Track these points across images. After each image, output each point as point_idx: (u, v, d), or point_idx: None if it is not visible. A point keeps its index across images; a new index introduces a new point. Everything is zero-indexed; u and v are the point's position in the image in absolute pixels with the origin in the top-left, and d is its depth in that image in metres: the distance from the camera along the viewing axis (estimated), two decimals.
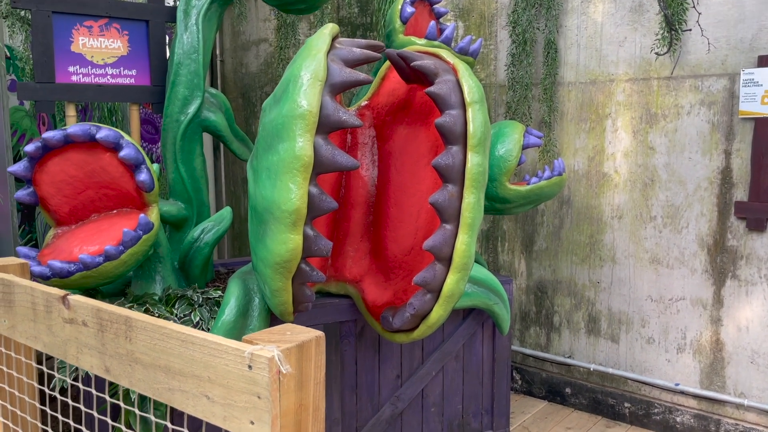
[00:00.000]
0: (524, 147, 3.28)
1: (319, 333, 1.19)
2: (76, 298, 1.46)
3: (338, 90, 2.32)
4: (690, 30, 3.15)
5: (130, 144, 2.56)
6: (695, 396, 3.47)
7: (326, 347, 2.99)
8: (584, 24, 3.69)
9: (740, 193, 3.25)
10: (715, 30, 3.22)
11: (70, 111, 3.08)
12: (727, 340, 3.36)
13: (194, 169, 3.26)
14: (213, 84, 5.56)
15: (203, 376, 1.19)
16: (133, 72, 3.22)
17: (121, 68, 3.18)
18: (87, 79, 3.08)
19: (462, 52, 3.28)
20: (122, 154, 2.52)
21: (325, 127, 2.28)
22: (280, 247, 2.29)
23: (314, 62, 2.29)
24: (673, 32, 3.02)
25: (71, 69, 3.03)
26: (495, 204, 3.31)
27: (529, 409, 3.96)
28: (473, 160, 2.47)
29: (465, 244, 2.48)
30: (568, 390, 3.94)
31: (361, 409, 3.13)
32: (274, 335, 1.18)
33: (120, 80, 3.18)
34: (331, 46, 2.43)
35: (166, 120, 3.18)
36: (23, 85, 2.92)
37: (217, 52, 5.54)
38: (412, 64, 2.56)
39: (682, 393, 3.51)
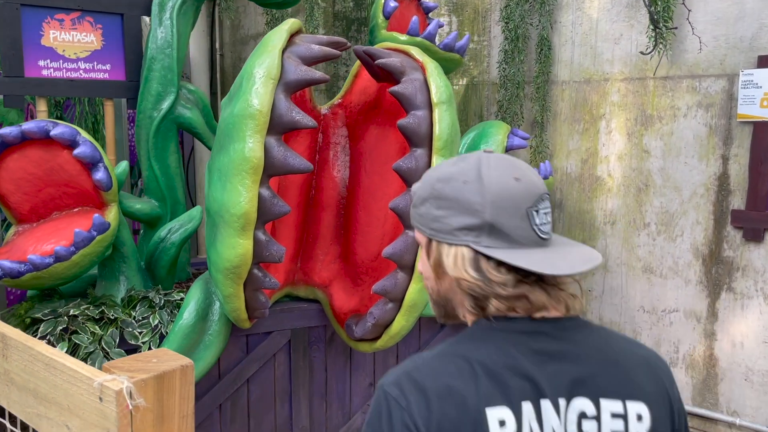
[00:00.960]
0: (508, 148, 3.14)
1: (187, 362, 1.09)
2: None
3: (293, 89, 2.22)
4: (676, 28, 2.96)
5: (87, 141, 2.49)
6: (687, 413, 3.29)
7: (294, 353, 2.90)
8: (579, 20, 3.52)
9: (737, 201, 3.06)
10: (714, 28, 3.04)
11: (41, 106, 3.03)
12: (721, 356, 3.18)
13: (168, 166, 3.18)
14: (212, 78, 5.50)
15: (64, 405, 1.10)
16: (107, 67, 3.15)
17: (95, 63, 3.11)
18: (58, 74, 3.02)
19: (447, 49, 3.15)
20: (77, 151, 2.45)
21: (278, 127, 2.18)
22: (229, 252, 2.20)
23: (268, 59, 2.18)
24: (657, 31, 2.84)
25: (41, 63, 2.98)
26: None
27: None
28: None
29: None
30: None
31: (332, 418, 3.03)
32: (137, 363, 1.08)
33: (93, 75, 3.11)
34: (290, 43, 2.33)
35: (140, 116, 3.11)
36: None
37: (217, 46, 5.48)
38: (377, 62, 2.44)
39: None
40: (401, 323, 2.46)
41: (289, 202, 2.84)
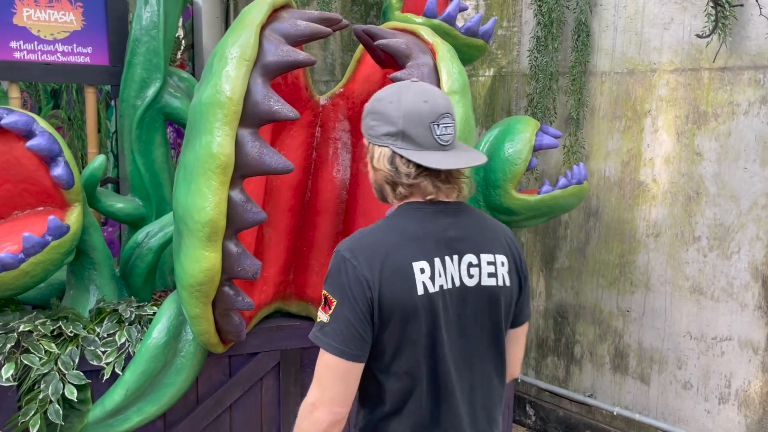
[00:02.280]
0: (536, 148, 2.73)
1: None
2: None
3: (273, 72, 1.86)
4: (741, 5, 2.50)
5: (45, 132, 2.17)
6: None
7: (284, 377, 2.55)
8: (623, 2, 3.07)
9: None
10: None
11: (13, 92, 2.73)
12: None
13: (153, 161, 2.86)
14: None
15: None
16: (89, 50, 2.83)
17: (74, 45, 2.80)
18: (32, 56, 2.71)
19: (470, 34, 2.76)
20: (30, 143, 2.12)
21: (253, 118, 1.82)
22: (193, 266, 1.85)
23: (243, 36, 1.83)
24: (719, 8, 2.39)
25: (13, 45, 2.68)
26: (498, 215, 2.76)
27: None
28: None
29: None
30: None
31: None
32: None
33: (72, 59, 2.80)
34: (274, 18, 1.96)
35: (123, 105, 2.79)
36: None
37: None
38: (376, 42, 2.06)
39: None
40: None
41: (281, 205, 2.49)
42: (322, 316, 1.32)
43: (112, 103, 3.87)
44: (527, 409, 3.63)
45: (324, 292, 1.32)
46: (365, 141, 1.40)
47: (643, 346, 3.13)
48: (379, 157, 1.35)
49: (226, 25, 4.97)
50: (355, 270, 1.28)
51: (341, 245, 1.34)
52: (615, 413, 3.23)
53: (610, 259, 3.22)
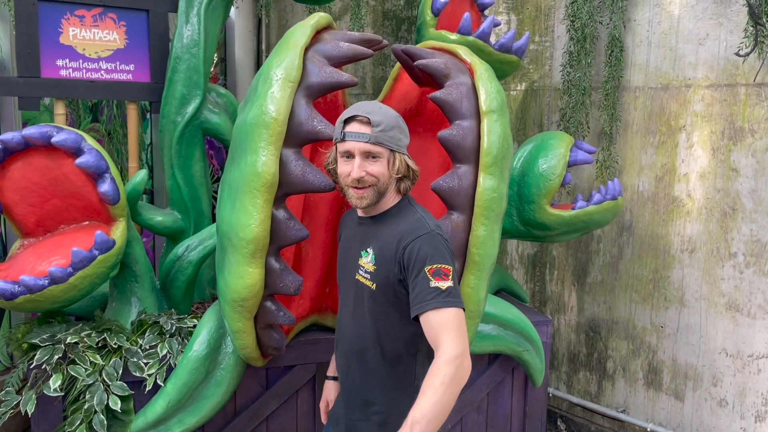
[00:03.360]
0: (570, 164, 2.74)
1: None
2: None
3: (316, 93, 1.90)
4: None
5: (92, 149, 2.24)
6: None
7: (319, 390, 2.58)
8: (657, 18, 3.08)
9: None
10: None
11: (59, 109, 2.81)
12: None
13: (192, 175, 2.93)
14: None
15: None
16: (131, 67, 2.92)
17: (117, 62, 2.88)
18: (77, 74, 2.80)
19: (503, 50, 2.79)
20: (79, 161, 2.20)
21: (296, 138, 1.86)
22: (237, 282, 1.90)
23: (288, 58, 1.87)
24: (759, 27, 2.39)
25: (59, 63, 2.76)
26: (532, 230, 2.78)
27: None
28: (486, 183, 1.99)
29: (470, 287, 2.00)
30: None
31: None
32: None
33: (115, 76, 2.88)
34: (317, 40, 2.01)
35: (163, 121, 2.87)
36: (4, 80, 2.68)
37: (263, 47, 5.24)
38: (416, 63, 2.09)
39: None
40: None
41: (318, 219, 2.53)
42: (445, 283, 1.52)
43: (147, 116, 3.96)
44: (558, 423, 3.62)
45: (435, 265, 1.54)
46: (381, 149, 1.64)
47: (678, 362, 3.11)
48: (399, 163, 1.67)
49: (258, 39, 5.06)
50: (447, 243, 1.62)
51: (428, 225, 1.63)
52: (648, 430, 3.20)
53: (644, 274, 3.20)
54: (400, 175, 1.67)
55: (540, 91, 3.57)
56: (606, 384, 3.40)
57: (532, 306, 3.63)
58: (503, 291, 3.21)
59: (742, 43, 2.68)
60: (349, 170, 1.64)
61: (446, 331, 1.49)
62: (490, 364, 2.80)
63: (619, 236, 3.29)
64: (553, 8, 3.46)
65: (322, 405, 1.98)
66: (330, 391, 1.96)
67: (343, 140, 1.65)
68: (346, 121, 1.65)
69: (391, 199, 1.70)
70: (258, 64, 5.17)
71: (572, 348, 3.54)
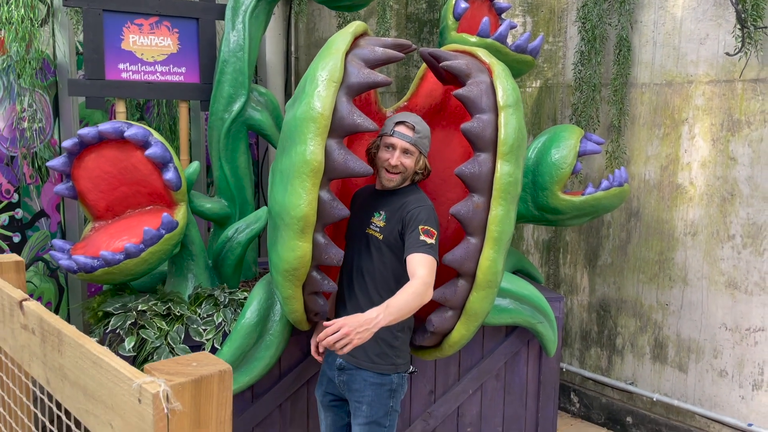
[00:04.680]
0: (581, 154, 3.01)
1: (226, 367, 1.07)
2: (30, 305, 1.43)
3: (355, 92, 2.20)
4: (766, 27, 2.75)
5: (158, 142, 2.57)
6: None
7: None
8: (662, 19, 3.34)
9: None
10: None
11: (120, 107, 3.14)
12: None
13: (238, 167, 3.24)
14: (287, 81, 5.59)
15: (108, 403, 1.11)
16: (183, 69, 3.24)
17: (171, 66, 3.21)
18: (137, 77, 3.13)
19: (519, 51, 3.06)
20: (148, 152, 2.52)
21: (339, 130, 2.17)
22: (288, 254, 2.21)
23: (331, 62, 2.18)
24: (745, 30, 2.65)
25: (121, 66, 3.10)
26: (546, 215, 3.06)
27: None
28: (503, 169, 2.28)
29: (490, 259, 2.29)
30: (629, 419, 3.62)
31: None
32: (177, 366, 1.08)
33: (169, 77, 3.21)
34: (355, 45, 2.31)
35: (212, 118, 3.18)
36: (73, 82, 3.01)
37: (292, 49, 5.56)
38: (441, 64, 2.39)
39: None
40: (461, 332, 2.40)
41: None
42: (430, 240, 2.16)
43: (189, 115, 4.29)
44: (572, 396, 3.89)
45: (427, 226, 2.18)
46: (413, 149, 2.31)
47: (681, 337, 3.38)
48: (422, 162, 2.34)
49: (288, 42, 5.38)
50: (436, 217, 2.27)
51: (427, 202, 2.29)
52: (655, 399, 3.47)
53: (650, 256, 3.47)
54: (420, 171, 2.34)
55: (554, 87, 3.84)
56: (615, 359, 3.68)
57: (547, 287, 3.91)
58: (520, 272, 3.50)
59: (735, 42, 2.94)
60: (388, 157, 2.29)
61: (422, 267, 2.11)
62: (508, 336, 3.09)
63: (628, 222, 3.55)
64: (566, 11, 3.74)
65: (313, 341, 2.41)
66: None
67: (391, 135, 2.30)
68: (397, 123, 2.31)
69: (404, 184, 2.36)
70: (287, 65, 5.50)
71: (584, 326, 3.82)
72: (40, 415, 1.48)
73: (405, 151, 2.28)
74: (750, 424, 3.13)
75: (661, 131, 3.38)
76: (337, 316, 2.37)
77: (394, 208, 2.28)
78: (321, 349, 2.42)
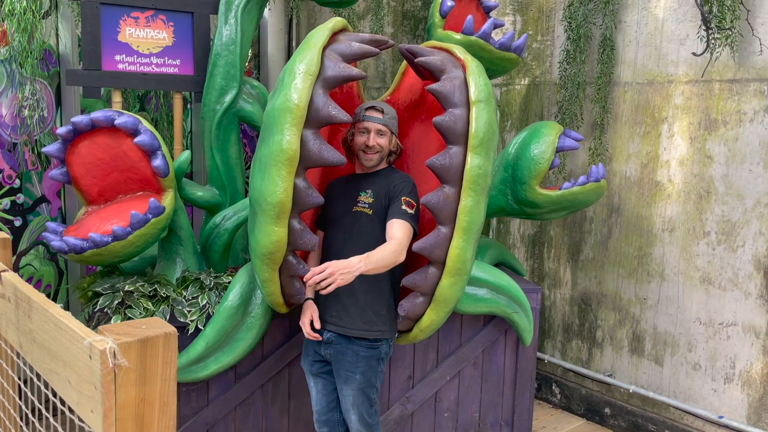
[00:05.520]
0: (558, 149, 3.10)
1: (171, 330, 1.18)
2: (7, 275, 1.55)
3: (331, 85, 2.30)
4: (729, 29, 2.82)
5: (147, 130, 2.68)
6: None
7: None
8: (644, 20, 3.42)
9: None
10: None
11: (116, 97, 3.27)
12: None
13: (229, 157, 3.36)
14: None
15: (66, 361, 1.23)
16: (177, 62, 3.36)
17: (166, 58, 3.33)
18: (132, 68, 3.25)
19: (503, 48, 3.15)
20: (137, 139, 2.64)
21: (315, 121, 2.27)
22: (265, 239, 2.32)
23: (308, 56, 2.28)
24: (709, 31, 2.72)
25: (117, 58, 3.22)
26: (524, 208, 3.15)
27: (565, 426, 3.76)
28: (473, 161, 2.37)
29: (459, 248, 2.39)
30: (607, 410, 3.71)
31: None
32: (128, 328, 1.19)
33: (164, 69, 3.33)
34: (333, 40, 2.41)
35: (204, 109, 3.30)
36: (71, 72, 3.14)
37: (293, 44, 5.67)
38: (416, 60, 2.49)
39: (727, 427, 3.19)
40: (431, 317, 2.49)
41: None
42: (410, 211, 2.44)
43: (188, 106, 4.42)
44: (553, 387, 3.98)
45: (409, 198, 2.45)
46: (388, 130, 2.56)
47: (658, 331, 3.46)
48: (394, 141, 2.59)
49: (290, 37, 5.49)
50: (417, 193, 2.54)
51: (410, 179, 2.55)
52: (631, 391, 3.56)
53: (630, 251, 3.55)
54: (393, 149, 2.57)
55: (541, 85, 3.92)
56: (595, 351, 3.76)
57: (531, 280, 4.00)
58: (502, 265, 3.59)
59: (700, 43, 3.01)
60: (364, 140, 2.53)
61: (400, 232, 2.40)
62: (485, 325, 3.19)
63: (609, 217, 3.63)
64: (554, 10, 3.81)
65: (306, 319, 2.49)
66: (312, 306, 2.52)
67: (362, 120, 2.53)
68: (366, 109, 2.55)
69: (381, 165, 2.58)
70: (288, 59, 5.60)
71: (566, 319, 3.90)
72: (28, 392, 1.59)
73: (378, 132, 2.52)
74: (721, 417, 3.21)
75: (642, 129, 3.46)
76: (329, 298, 2.49)
77: (380, 186, 2.51)
78: (310, 320, 2.51)
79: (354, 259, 2.22)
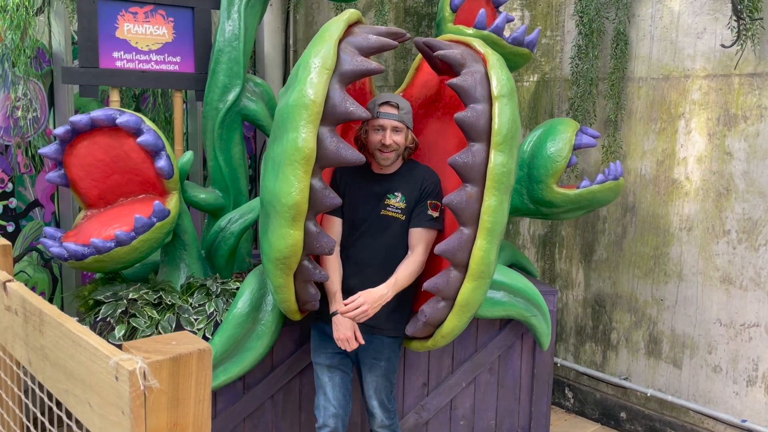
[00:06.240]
0: (576, 147, 3.00)
1: (205, 346, 1.06)
2: (14, 286, 1.42)
3: (348, 79, 2.19)
4: (761, 19, 2.73)
5: (151, 130, 2.55)
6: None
7: None
8: (659, 13, 3.33)
9: None
10: None
11: (114, 96, 3.13)
12: None
13: (232, 157, 3.23)
14: (286, 73, 5.57)
15: (86, 382, 1.10)
16: (178, 59, 3.23)
17: (166, 55, 3.20)
18: (131, 65, 3.12)
19: (516, 43, 3.05)
20: (140, 139, 2.51)
21: (332, 118, 2.15)
22: (279, 242, 2.19)
23: (324, 49, 2.16)
24: (741, 22, 2.63)
25: (115, 55, 3.08)
26: (541, 208, 3.05)
27: (579, 431, 3.66)
28: (496, 159, 2.26)
29: (482, 250, 2.28)
30: (623, 414, 3.61)
31: None
32: (156, 344, 1.06)
33: (164, 67, 3.20)
34: (348, 33, 2.30)
35: (206, 108, 3.17)
36: (67, 70, 3.00)
37: (291, 42, 5.54)
38: (435, 53, 2.37)
39: (750, 431, 3.11)
40: (453, 323, 2.38)
41: None
42: (436, 214, 2.43)
43: (186, 106, 4.28)
44: (566, 392, 3.88)
45: (435, 201, 2.43)
46: (402, 125, 2.41)
47: (676, 333, 3.37)
48: (410, 136, 2.46)
49: (286, 35, 5.36)
50: (440, 184, 2.50)
51: (433, 172, 2.50)
52: (649, 395, 3.46)
53: (646, 251, 3.46)
54: (410, 144, 2.47)
55: (551, 82, 3.83)
56: (610, 354, 3.67)
57: (541, 281, 3.90)
58: (514, 266, 3.48)
59: (732, 35, 2.92)
60: (380, 138, 2.39)
61: (422, 243, 2.41)
62: (501, 329, 3.08)
63: (623, 216, 3.54)
64: (564, 5, 3.72)
65: (350, 332, 2.36)
66: (347, 321, 2.36)
67: (377, 117, 2.39)
68: (381, 105, 2.40)
69: (398, 162, 2.49)
70: (286, 59, 5.48)
71: (579, 321, 3.81)
72: (30, 405, 1.46)
73: (395, 129, 2.39)
74: (744, 420, 3.12)
75: (658, 126, 3.37)
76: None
77: (410, 188, 2.43)
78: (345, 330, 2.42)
79: (383, 289, 2.31)
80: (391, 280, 2.32)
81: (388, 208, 2.43)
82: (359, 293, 2.28)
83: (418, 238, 2.41)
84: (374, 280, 2.37)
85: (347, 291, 2.40)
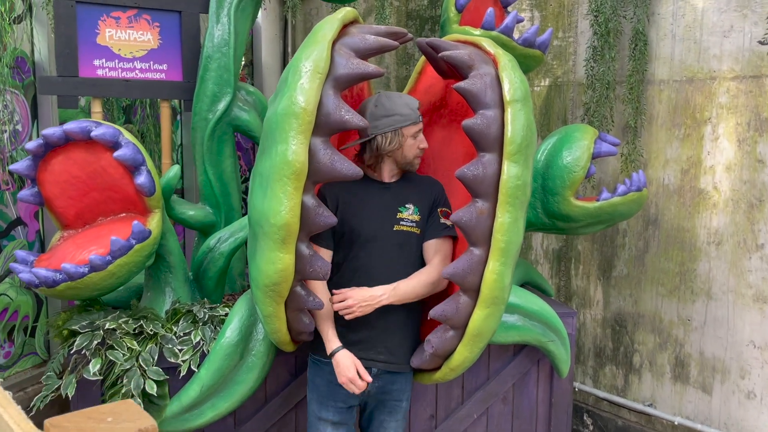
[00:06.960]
0: (595, 156, 2.76)
1: (149, 424, 0.83)
2: None
3: (343, 84, 1.96)
4: None
5: (129, 143, 2.33)
6: None
7: None
8: (681, 11, 3.09)
9: None
10: None
11: (96, 107, 2.91)
12: None
13: (223, 171, 3.01)
14: None
15: None
16: (164, 66, 3.01)
17: (151, 62, 2.98)
18: (113, 74, 2.90)
19: (527, 45, 2.82)
20: (117, 154, 2.29)
21: (325, 127, 1.92)
22: (268, 267, 1.96)
23: (316, 51, 1.94)
24: None
25: (96, 63, 2.87)
26: (557, 222, 2.80)
27: None
28: (510, 171, 2.02)
29: (496, 273, 2.03)
30: None
31: None
32: (87, 422, 0.83)
33: (149, 75, 2.98)
34: (344, 33, 2.07)
35: (195, 118, 2.95)
36: (44, 79, 2.78)
37: (289, 50, 5.34)
38: (441, 54, 2.14)
39: None
40: (464, 354, 2.14)
41: None
42: (449, 222, 2.17)
43: (178, 117, 4.07)
44: (585, 418, 3.62)
45: (444, 208, 2.22)
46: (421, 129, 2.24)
47: (705, 356, 3.11)
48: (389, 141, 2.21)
49: (284, 43, 5.16)
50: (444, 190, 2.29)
51: (435, 180, 2.30)
52: (676, 423, 3.20)
53: (670, 267, 3.20)
54: None
55: (564, 86, 3.59)
56: (632, 378, 3.40)
57: (558, 300, 3.64)
58: (528, 285, 3.24)
59: (766, 34, 2.68)
60: (418, 144, 2.20)
61: (438, 255, 2.17)
62: (516, 355, 2.83)
63: (645, 230, 3.29)
64: (577, 4, 3.49)
65: (352, 372, 2.06)
66: (350, 357, 2.10)
67: (418, 122, 2.19)
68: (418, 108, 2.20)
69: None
70: (284, 67, 5.26)
71: (598, 342, 3.55)
72: None
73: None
74: None
75: (682, 132, 3.12)
76: (373, 332, 2.18)
77: (421, 198, 2.21)
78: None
79: (378, 291, 2.07)
80: (391, 286, 2.09)
81: (401, 223, 2.16)
82: (346, 289, 2.08)
83: (435, 250, 2.18)
84: (399, 311, 2.14)
85: (366, 328, 2.13)
